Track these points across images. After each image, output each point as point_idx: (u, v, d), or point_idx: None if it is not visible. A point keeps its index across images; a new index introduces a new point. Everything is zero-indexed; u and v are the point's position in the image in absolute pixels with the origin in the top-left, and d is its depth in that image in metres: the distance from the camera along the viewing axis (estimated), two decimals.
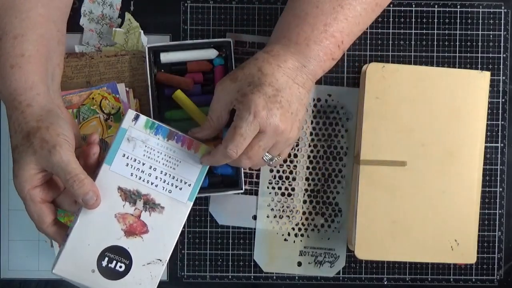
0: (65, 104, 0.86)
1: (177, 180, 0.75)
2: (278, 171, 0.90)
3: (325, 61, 0.77)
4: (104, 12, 0.89)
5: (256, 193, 0.90)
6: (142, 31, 0.89)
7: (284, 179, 0.90)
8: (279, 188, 0.90)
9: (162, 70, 0.88)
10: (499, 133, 0.91)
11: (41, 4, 0.78)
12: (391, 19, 0.90)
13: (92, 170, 0.74)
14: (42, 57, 0.77)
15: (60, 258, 0.72)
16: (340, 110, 0.90)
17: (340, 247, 0.91)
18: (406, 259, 0.87)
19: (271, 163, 0.78)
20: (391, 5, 0.90)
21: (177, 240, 0.75)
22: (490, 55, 0.91)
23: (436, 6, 0.90)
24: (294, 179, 0.90)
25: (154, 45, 0.86)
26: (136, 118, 0.75)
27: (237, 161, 0.75)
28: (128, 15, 0.89)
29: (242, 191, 0.86)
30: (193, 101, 0.86)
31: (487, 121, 0.90)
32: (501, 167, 0.91)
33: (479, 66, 0.91)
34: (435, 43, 0.90)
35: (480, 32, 0.90)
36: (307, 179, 0.90)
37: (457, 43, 0.90)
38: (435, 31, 0.90)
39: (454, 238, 0.86)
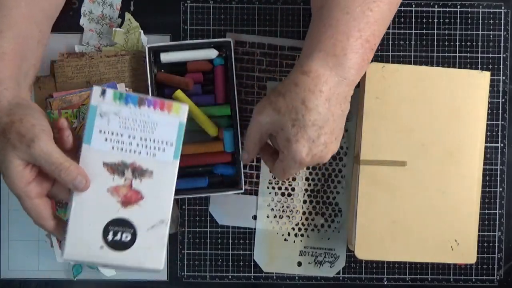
0: (65, 104, 0.86)
1: (158, 142, 0.76)
2: None
3: (363, 67, 0.75)
4: (104, 12, 0.89)
5: (256, 193, 0.90)
6: (142, 31, 0.89)
7: None
8: (279, 188, 0.90)
9: (162, 70, 0.88)
10: (499, 133, 0.91)
11: (24, 3, 0.78)
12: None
13: (73, 153, 0.74)
14: (17, 56, 0.76)
15: (66, 244, 0.73)
16: None
17: (340, 247, 0.91)
18: (406, 259, 0.87)
19: None
20: None
21: (173, 201, 0.75)
22: (490, 55, 0.91)
23: (436, 6, 0.90)
24: (294, 179, 0.90)
25: (154, 45, 0.86)
26: (103, 93, 0.75)
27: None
28: (128, 15, 0.89)
29: (242, 191, 0.86)
30: (193, 101, 0.86)
31: (487, 121, 0.90)
32: (501, 167, 0.91)
33: (479, 66, 0.91)
34: (435, 43, 0.90)
35: (480, 32, 0.90)
36: (307, 179, 0.90)
37: (457, 43, 0.90)
38: (435, 31, 0.90)
39: (454, 238, 0.86)
